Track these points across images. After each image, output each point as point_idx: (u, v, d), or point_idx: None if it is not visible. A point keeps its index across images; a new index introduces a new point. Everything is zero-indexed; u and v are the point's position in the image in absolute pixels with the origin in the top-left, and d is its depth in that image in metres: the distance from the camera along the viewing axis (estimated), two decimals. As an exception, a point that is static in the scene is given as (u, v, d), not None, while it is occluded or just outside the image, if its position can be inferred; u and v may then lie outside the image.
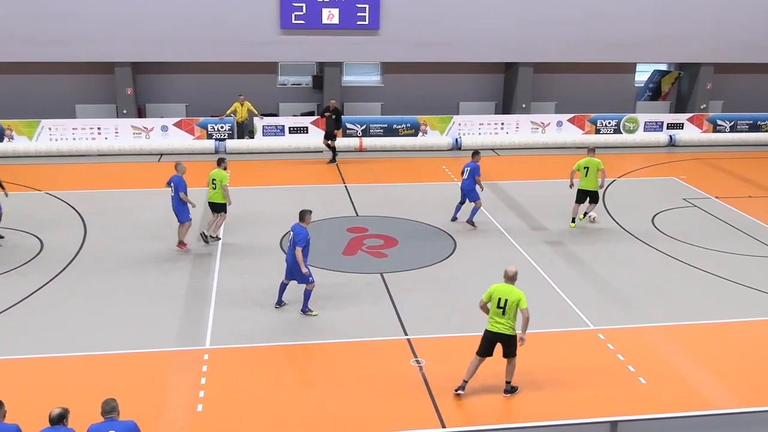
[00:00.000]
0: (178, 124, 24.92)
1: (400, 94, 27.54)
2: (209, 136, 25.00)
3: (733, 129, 27.50)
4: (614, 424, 7.30)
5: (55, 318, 12.89)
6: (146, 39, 24.49)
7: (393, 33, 25.56)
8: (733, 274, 15.07)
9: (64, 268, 14.97)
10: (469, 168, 17.47)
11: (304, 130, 25.45)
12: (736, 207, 19.47)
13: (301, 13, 25.04)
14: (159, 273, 14.81)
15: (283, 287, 13.30)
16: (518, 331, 10.44)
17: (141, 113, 26.33)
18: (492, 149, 25.70)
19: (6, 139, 24.07)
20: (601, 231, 17.68)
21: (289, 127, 25.38)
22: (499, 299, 10.38)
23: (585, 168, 17.41)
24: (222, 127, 25.04)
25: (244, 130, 25.14)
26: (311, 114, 26.65)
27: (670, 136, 26.66)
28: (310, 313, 13.06)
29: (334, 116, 23.21)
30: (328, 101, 25.21)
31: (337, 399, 10.56)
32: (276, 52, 25.56)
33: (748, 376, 11.32)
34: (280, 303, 13.34)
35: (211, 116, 25.35)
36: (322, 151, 24.45)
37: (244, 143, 24.76)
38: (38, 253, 15.73)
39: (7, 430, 7.78)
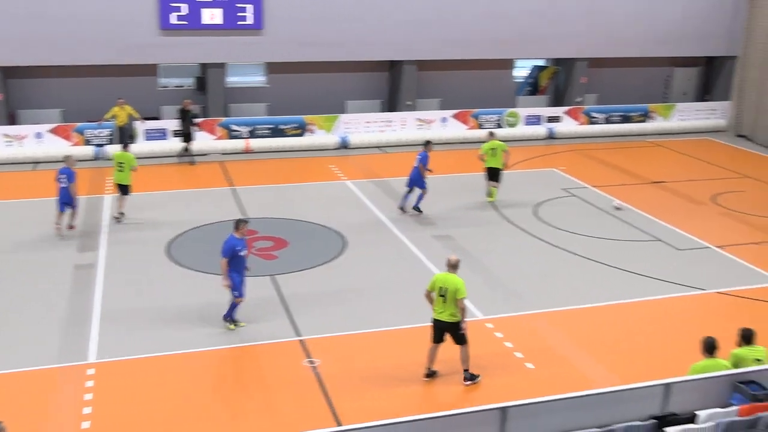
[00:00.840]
0: (53, 131, 23.85)
1: (285, 94, 27.34)
2: (87, 143, 24.06)
3: (607, 121, 28.76)
4: (504, 409, 7.48)
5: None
6: (15, 41, 23.30)
7: (277, 33, 25.35)
8: (610, 259, 15.77)
9: (-67, 287, 14.10)
10: (419, 157, 18.36)
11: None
12: (612, 195, 20.37)
13: (182, 14, 24.46)
14: (37, 288, 14.15)
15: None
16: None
17: (13, 120, 25.04)
18: (379, 147, 25.91)
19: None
20: (486, 223, 18.14)
21: (172, 131, 24.75)
22: (440, 288, 10.74)
23: (491, 150, 19.24)
24: (101, 133, 24.15)
25: (125, 134, 24.29)
26: (195, 117, 26.08)
27: (549, 129, 27.64)
28: (233, 323, 12.60)
29: (184, 117, 23.13)
30: (213, 102, 24.83)
31: (232, 405, 10.41)
32: (155, 53, 24.84)
33: (626, 355, 11.91)
34: (227, 318, 12.70)
35: (89, 121, 24.41)
36: (206, 154, 24.01)
37: (119, 148, 23.84)
38: None
39: None
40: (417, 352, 11.69)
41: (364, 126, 26.41)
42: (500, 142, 19.35)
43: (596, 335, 12.49)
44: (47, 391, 10.72)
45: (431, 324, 11.03)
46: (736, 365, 9.12)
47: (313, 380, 11.03)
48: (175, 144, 24.00)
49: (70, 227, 17.00)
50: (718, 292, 14.30)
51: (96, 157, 23.48)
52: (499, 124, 27.34)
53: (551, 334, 12.49)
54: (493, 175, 19.41)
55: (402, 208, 18.57)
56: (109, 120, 23.93)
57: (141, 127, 24.33)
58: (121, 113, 23.86)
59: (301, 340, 12.22)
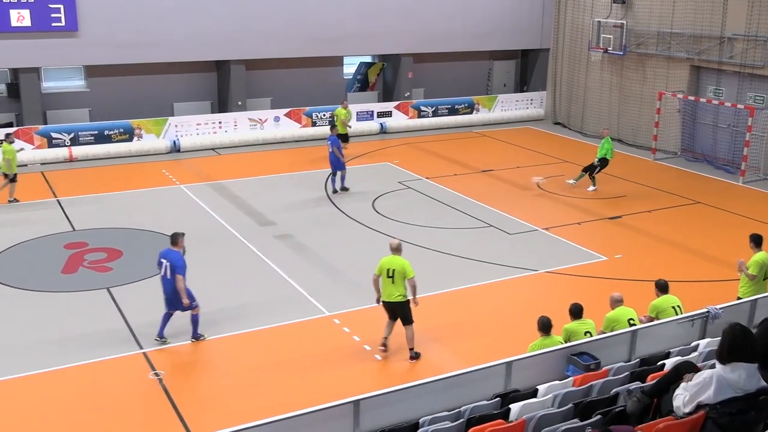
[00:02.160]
0: None
1: (109, 99, 26.12)
2: None
3: (435, 114, 29.74)
4: (356, 402, 7.58)
5: None
6: None
7: (93, 34, 24.15)
8: (447, 247, 16.35)
9: None
10: (329, 141, 19.81)
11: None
12: (445, 185, 21.12)
13: (-14, 15, 22.77)
14: None
15: (167, 317, 12.03)
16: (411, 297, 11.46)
17: None
18: (212, 149, 25.39)
19: None
20: (325, 218, 18.27)
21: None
22: (388, 270, 11.31)
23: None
24: None
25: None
26: (10, 125, 24.40)
27: (381, 123, 28.20)
28: (202, 338, 12.08)
29: None
30: (29, 109, 23.33)
31: (79, 426, 9.88)
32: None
33: (469, 338, 12.41)
34: (162, 336, 11.99)
35: None
36: (27, 165, 22.53)
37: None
38: None
39: None
40: (266, 352, 11.63)
41: (195, 128, 25.78)
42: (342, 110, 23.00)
43: (439, 322, 12.91)
44: None
45: (383, 305, 11.60)
46: (568, 339, 9.75)
47: (160, 392, 10.67)
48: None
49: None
50: (548, 272, 15.19)
51: None
52: (330, 121, 27.57)
53: (396, 325, 12.78)
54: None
55: (335, 190, 20.21)
56: None
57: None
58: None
59: (144, 353, 11.78)
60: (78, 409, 10.32)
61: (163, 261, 11.86)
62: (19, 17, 23.11)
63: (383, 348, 11.79)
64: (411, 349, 11.74)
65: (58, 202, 19.44)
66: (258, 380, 11.07)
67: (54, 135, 23.81)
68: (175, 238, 12.05)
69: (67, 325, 12.71)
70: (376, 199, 19.85)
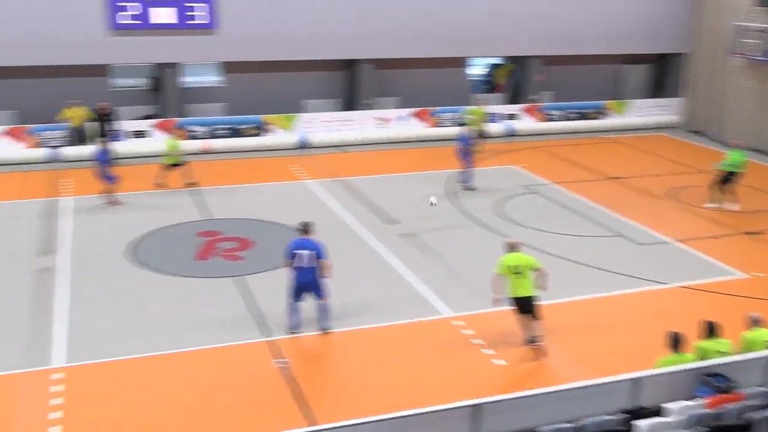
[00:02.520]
0: (6, 133, 23.31)
1: (243, 94, 27.10)
2: (42, 144, 23.56)
3: (564, 117, 29.12)
4: (477, 406, 7.54)
5: None
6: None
7: (232, 32, 25.12)
8: (574, 255, 15.97)
9: None
10: (460, 139, 20.43)
11: (146, 133, 24.56)
12: (572, 191, 20.64)
13: (132, 13, 24.07)
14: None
15: (297, 309, 12.33)
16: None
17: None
18: (338, 146, 25.86)
19: None
20: (449, 220, 18.23)
21: (131, 132, 24.38)
22: (515, 266, 11.56)
23: None
24: (57, 134, 23.68)
25: (81, 135, 23.88)
26: (150, 117, 25.73)
27: (508, 126, 27.87)
28: (329, 330, 12.34)
29: (104, 120, 23.10)
30: (169, 103, 24.52)
31: (202, 408, 10.31)
32: (106, 54, 24.40)
33: (594, 350, 12.09)
34: (299, 326, 12.35)
35: (43, 123, 23.89)
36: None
37: (81, 150, 23.48)
38: None
39: None
40: (389, 351, 11.76)
41: (323, 125, 26.34)
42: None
43: (564, 331, 12.63)
44: (11, 397, 10.48)
45: (515, 302, 11.70)
46: (701, 358, 9.33)
47: (282, 381, 10.97)
48: (133, 145, 23.73)
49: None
50: (680, 286, 14.57)
51: (51, 159, 23.02)
52: (457, 121, 27.51)
53: (520, 331, 12.60)
54: None
55: (463, 187, 20.61)
56: (64, 121, 23.50)
57: (90, 126, 23.88)
58: (74, 114, 23.44)
59: (270, 341, 12.13)
60: (203, 390, 10.74)
61: (301, 251, 12.06)
62: (162, 15, 24.32)
63: (534, 344, 11.75)
64: (535, 337, 11.76)
65: (197, 191, 20.31)
66: (378, 376, 11.18)
67: (191, 128, 24.92)
68: (309, 227, 12.31)
69: (197, 309, 13.26)
70: (501, 202, 19.65)
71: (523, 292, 11.63)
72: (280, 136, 25.76)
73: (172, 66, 25.46)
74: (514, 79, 30.43)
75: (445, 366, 11.46)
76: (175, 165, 20.53)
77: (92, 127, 23.67)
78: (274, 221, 17.88)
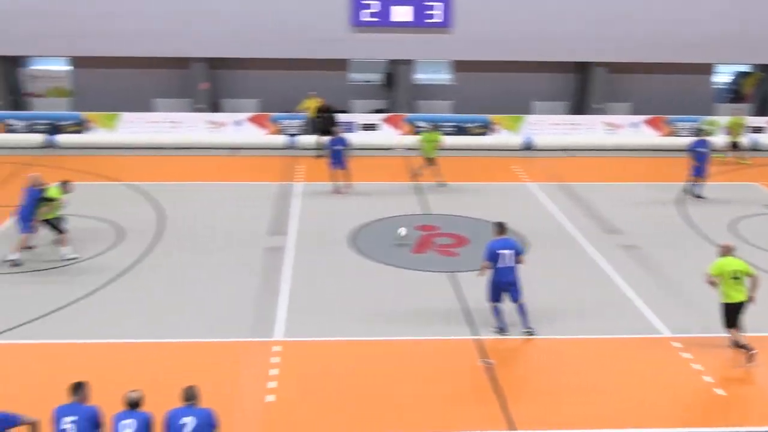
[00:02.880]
0: (251, 119, 25.27)
1: (471, 93, 27.33)
2: (281, 132, 25.28)
3: (817, 133, 26.37)
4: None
5: (132, 305, 13.23)
6: (221, 35, 24.90)
7: (465, 31, 25.40)
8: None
9: (141, 258, 15.33)
10: (696, 146, 19.64)
11: (375, 127, 25.53)
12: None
13: (372, 11, 25.11)
14: (231, 264, 15.03)
15: (502, 310, 12.28)
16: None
17: (216, 108, 26.78)
18: (564, 150, 25.29)
19: (87, 131, 24.78)
20: (677, 234, 17.21)
21: (361, 124, 25.49)
22: (734, 271, 11.39)
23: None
24: (294, 123, 25.30)
25: (316, 126, 25.31)
26: (382, 111, 26.70)
27: (753, 139, 25.66)
28: (533, 332, 12.24)
29: (326, 114, 23.76)
30: (400, 98, 25.32)
31: (404, 395, 10.53)
32: (347, 49, 25.70)
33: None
34: (506, 328, 12.28)
35: (283, 112, 25.61)
36: (391, 149, 24.58)
37: (314, 139, 24.91)
38: (114, 243, 16.15)
39: (88, 412, 8.00)
40: (598, 362, 11.34)
41: (550, 128, 25.88)
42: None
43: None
44: (237, 363, 11.35)
45: (727, 308, 11.41)
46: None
47: (486, 380, 10.93)
48: (363, 137, 24.78)
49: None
50: None
51: (288, 146, 24.62)
52: (695, 131, 25.85)
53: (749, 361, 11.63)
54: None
55: (694, 195, 19.78)
56: (302, 111, 25.02)
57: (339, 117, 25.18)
58: (311, 105, 24.88)
59: (477, 339, 12.15)
60: (408, 378, 10.96)
61: (504, 251, 12.05)
62: (401, 13, 25.12)
63: (749, 351, 11.27)
64: (745, 345, 11.37)
65: (417, 185, 20.79)
66: (585, 387, 10.80)
67: (419, 124, 25.53)
68: (504, 227, 12.47)
69: (411, 300, 13.57)
70: (736, 220, 18.21)
71: (740, 297, 11.36)
72: (505, 136, 25.67)
73: (406, 63, 26.24)
74: (762, 89, 28.04)
75: (659, 388, 10.81)
76: (430, 160, 20.77)
77: (324, 118, 25.02)
78: (491, 221, 17.80)
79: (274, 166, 22.57)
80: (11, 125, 24.84)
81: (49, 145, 24.15)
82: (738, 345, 11.45)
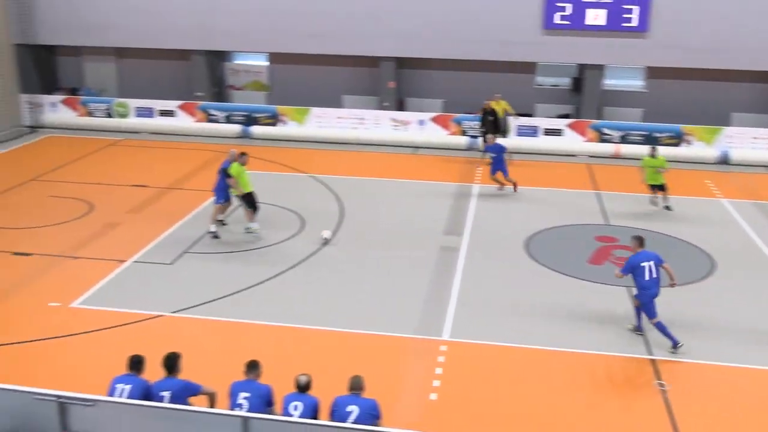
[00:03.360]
0: (434, 119, 25.54)
1: (664, 101, 26.04)
2: (463, 133, 25.36)
3: None
4: None
5: (307, 292, 13.79)
6: (409, 35, 25.34)
7: (662, 36, 24.23)
8: None
9: (319, 248, 15.94)
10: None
11: (559, 132, 24.99)
12: None
13: (566, 13, 24.56)
14: (405, 260, 15.28)
15: (663, 324, 11.84)
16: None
17: (401, 106, 27.32)
18: (765, 166, 23.49)
19: (279, 124, 26.12)
20: None
21: (544, 129, 25.06)
22: None
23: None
24: (476, 124, 25.29)
25: (498, 128, 25.16)
26: (567, 116, 26.08)
27: None
28: (680, 346, 11.84)
29: (491, 117, 22.92)
30: (587, 104, 24.62)
31: (569, 406, 10.25)
32: (536, 52, 25.31)
33: None
34: (679, 342, 11.75)
35: (466, 113, 25.68)
36: (575, 155, 23.97)
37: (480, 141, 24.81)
38: (297, 231, 16.90)
39: (261, 390, 8.43)
40: None
41: (751, 141, 24.14)
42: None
43: None
44: (403, 358, 11.54)
45: None
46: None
47: (660, 404, 10.40)
48: (546, 142, 24.34)
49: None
50: None
51: (469, 148, 24.66)
52: None
53: None
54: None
55: None
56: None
57: (514, 122, 24.96)
58: (496, 108, 24.71)
59: (652, 360, 11.58)
60: (576, 390, 10.66)
61: (647, 263, 11.76)
62: (595, 16, 24.37)
63: None
64: None
65: (597, 194, 20.15)
66: (761, 425, 10.03)
67: (605, 131, 24.69)
68: (643, 239, 12.13)
69: (581, 311, 13.17)
70: None
71: None
72: (698, 148, 24.25)
73: (596, 67, 25.46)
74: None
75: None
76: (658, 186, 18.82)
77: (508, 121, 24.81)
78: (677, 237, 16.94)
79: (454, 167, 22.69)
80: (212, 115, 26.65)
81: (245, 136, 25.69)
82: None
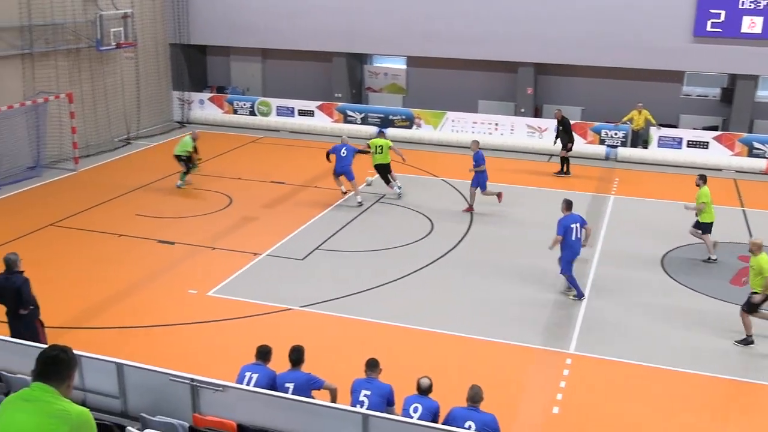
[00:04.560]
0: (571, 127, 24.94)
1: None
2: (601, 142, 24.66)
3: None
4: None
5: (431, 295, 13.84)
6: (551, 41, 24.86)
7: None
8: None
9: (449, 250, 15.93)
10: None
11: (704, 144, 23.83)
12: None
13: (719, 21, 23.36)
14: (533, 269, 15.04)
15: (575, 279, 13.64)
16: None
17: (537, 113, 26.88)
18: None
19: (414, 127, 26.31)
20: None
21: (688, 141, 23.97)
22: None
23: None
24: (615, 134, 24.53)
25: (639, 139, 24.32)
26: (715, 129, 24.82)
27: None
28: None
29: (560, 127, 22.13)
30: (737, 116, 23.40)
31: (690, 429, 9.79)
32: (684, 60, 24.21)
33: None
34: (582, 293, 13.66)
35: (606, 122, 24.94)
36: (721, 170, 22.79)
37: (636, 152, 23.98)
38: (427, 234, 16.96)
39: (382, 389, 8.50)
40: None
41: None
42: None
43: None
44: (527, 368, 11.35)
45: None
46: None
47: (802, 439, 9.75)
48: (690, 154, 23.33)
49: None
50: None
51: (606, 158, 23.95)
52: None
53: None
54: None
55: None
56: (626, 123, 24.18)
57: (656, 133, 24.04)
58: (638, 117, 23.89)
59: (793, 391, 10.87)
60: (693, 413, 10.15)
61: (575, 225, 13.45)
62: (750, 24, 23.06)
63: None
64: None
65: (743, 211, 19.09)
66: None
67: (756, 145, 23.34)
68: (571, 203, 13.75)
69: (716, 334, 12.52)
70: None
71: None
72: None
73: (749, 78, 24.10)
74: None
75: None
76: None
77: (651, 132, 23.93)
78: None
79: (590, 176, 22.10)
80: (350, 116, 27.20)
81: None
82: None
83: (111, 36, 23.96)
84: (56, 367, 4.83)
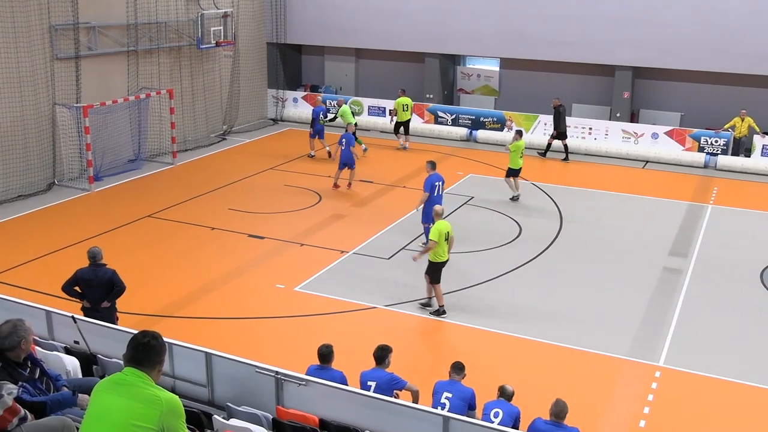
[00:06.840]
0: (669, 133, 24.21)
1: None
2: (700, 149, 23.80)
3: None
4: None
5: (517, 300, 13.66)
6: (649, 44, 24.13)
7: None
8: None
9: (536, 256, 15.71)
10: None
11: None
12: None
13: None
14: (625, 278, 14.67)
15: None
16: None
17: (633, 118, 26.15)
18: None
19: (505, 129, 26.02)
20: None
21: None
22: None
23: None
24: (716, 141, 23.64)
25: (741, 147, 23.37)
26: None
27: None
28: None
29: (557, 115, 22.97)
30: None
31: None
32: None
33: None
34: None
35: (707, 129, 24.06)
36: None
37: (738, 161, 23.04)
38: (514, 239, 16.77)
39: (464, 392, 8.45)
40: None
41: None
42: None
43: None
44: (614, 380, 11.08)
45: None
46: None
47: None
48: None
49: (349, 185, 19.99)
50: None
51: (706, 166, 23.13)
52: None
53: None
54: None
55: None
56: (728, 130, 23.29)
57: (760, 141, 23.05)
58: (741, 125, 22.99)
59: None
60: None
61: (438, 182, 15.30)
62: None
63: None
64: None
65: None
66: None
67: None
68: (435, 163, 15.70)
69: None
70: None
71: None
72: None
73: None
74: None
75: None
76: None
77: (754, 139, 22.94)
78: None
79: (688, 185, 21.38)
80: (441, 117, 27.15)
81: (469, 139, 25.92)
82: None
83: (211, 35, 24.68)
84: (148, 353, 5.00)
